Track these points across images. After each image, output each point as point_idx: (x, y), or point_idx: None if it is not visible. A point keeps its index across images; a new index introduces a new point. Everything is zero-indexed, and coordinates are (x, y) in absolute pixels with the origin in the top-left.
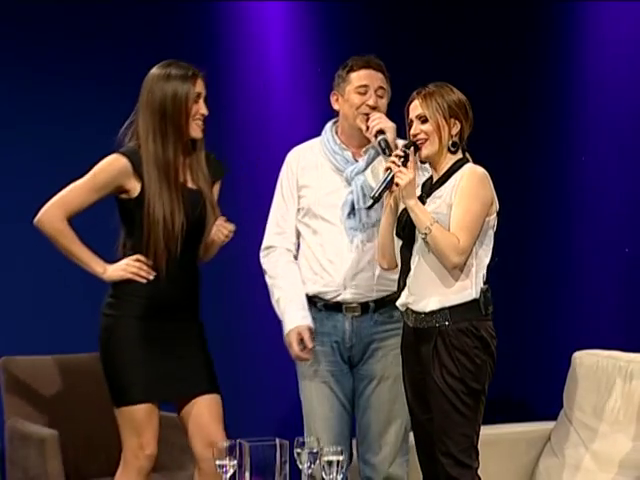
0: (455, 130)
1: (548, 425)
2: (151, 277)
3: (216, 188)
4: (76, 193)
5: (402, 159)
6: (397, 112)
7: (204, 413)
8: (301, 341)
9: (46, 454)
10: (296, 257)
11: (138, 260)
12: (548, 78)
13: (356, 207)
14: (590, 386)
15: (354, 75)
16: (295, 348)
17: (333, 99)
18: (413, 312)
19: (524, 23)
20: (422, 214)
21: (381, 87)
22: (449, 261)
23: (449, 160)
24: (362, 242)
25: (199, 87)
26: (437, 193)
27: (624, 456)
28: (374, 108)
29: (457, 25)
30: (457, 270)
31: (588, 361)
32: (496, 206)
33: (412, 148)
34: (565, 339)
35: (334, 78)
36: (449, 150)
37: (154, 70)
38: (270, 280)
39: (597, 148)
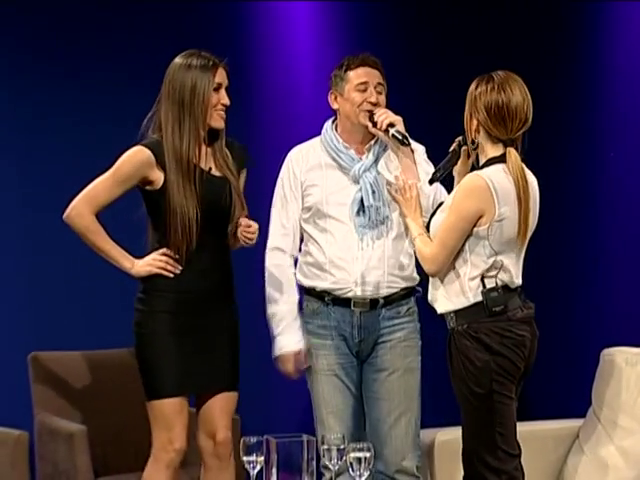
0: (473, 127)
1: (577, 422)
2: (177, 271)
3: (242, 177)
4: (102, 187)
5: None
6: (423, 110)
7: (214, 408)
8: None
9: (75, 449)
10: (296, 261)
11: (164, 254)
12: (576, 75)
13: (366, 204)
14: (619, 383)
15: (352, 73)
16: (291, 368)
17: (331, 98)
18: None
19: (551, 21)
20: (411, 225)
21: (380, 83)
22: (425, 270)
23: (483, 158)
24: (372, 239)
25: (219, 77)
26: None
27: None
28: (375, 104)
29: (483, 24)
30: (452, 275)
31: (617, 358)
32: (492, 215)
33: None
34: (594, 336)
35: (330, 78)
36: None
37: (176, 60)
38: (269, 288)
39: (626, 144)
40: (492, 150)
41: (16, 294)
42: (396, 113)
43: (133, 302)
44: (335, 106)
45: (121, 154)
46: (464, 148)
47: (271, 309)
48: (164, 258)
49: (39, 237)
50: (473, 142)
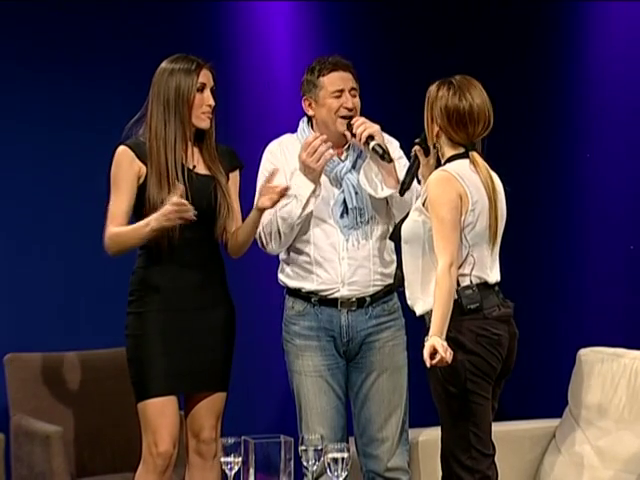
0: (434, 132)
1: (553, 422)
2: (192, 214)
3: (235, 178)
4: (112, 205)
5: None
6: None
7: (202, 408)
8: None
9: (51, 450)
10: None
11: (174, 204)
12: (552, 76)
13: (349, 207)
14: (595, 383)
15: (325, 80)
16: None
17: (305, 104)
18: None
19: (528, 21)
20: (439, 325)
21: (353, 87)
22: (444, 271)
23: (443, 159)
24: (357, 240)
25: (203, 78)
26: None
27: (629, 453)
28: (352, 110)
29: (462, 25)
30: (428, 275)
31: (593, 358)
32: (467, 204)
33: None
34: (570, 336)
35: (301, 83)
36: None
37: (162, 64)
38: (262, 229)
39: (602, 145)
40: (452, 152)
41: None
42: (374, 119)
43: (111, 304)
44: (310, 112)
45: (108, 156)
46: (417, 149)
47: (275, 221)
48: (175, 207)
49: (17, 238)
50: (435, 147)
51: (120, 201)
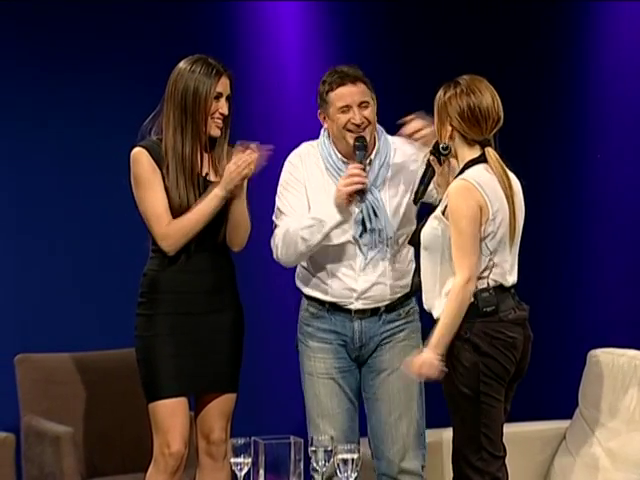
0: (447, 134)
1: (563, 424)
2: (254, 164)
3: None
4: (150, 203)
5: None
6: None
7: (212, 409)
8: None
9: (61, 451)
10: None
11: (235, 163)
12: (563, 76)
13: (368, 227)
14: (606, 384)
15: (333, 95)
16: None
17: (321, 118)
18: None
19: (539, 22)
20: (441, 339)
21: (363, 100)
22: (464, 302)
23: (460, 162)
24: (375, 259)
25: (221, 86)
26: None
27: None
28: (359, 125)
29: (472, 24)
30: (447, 279)
31: (604, 359)
32: (487, 214)
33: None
34: (581, 337)
35: (317, 95)
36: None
37: (181, 64)
38: (282, 242)
39: (613, 146)
40: (469, 153)
41: (3, 296)
42: (383, 119)
43: (121, 305)
44: (325, 125)
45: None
46: (431, 159)
47: (301, 238)
48: (235, 167)
49: (26, 238)
50: (446, 148)
51: (156, 198)
